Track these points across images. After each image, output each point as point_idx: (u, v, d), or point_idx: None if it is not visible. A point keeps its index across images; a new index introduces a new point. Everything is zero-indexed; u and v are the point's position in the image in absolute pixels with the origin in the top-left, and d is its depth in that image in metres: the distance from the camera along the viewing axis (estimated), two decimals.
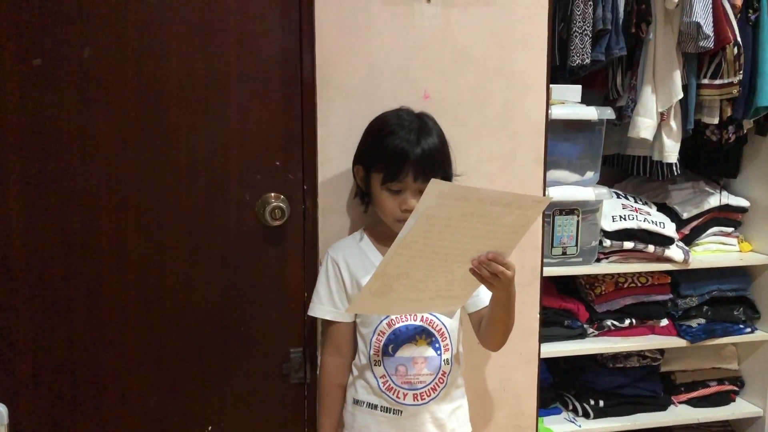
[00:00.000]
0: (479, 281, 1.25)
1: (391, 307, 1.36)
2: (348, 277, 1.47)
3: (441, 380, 1.46)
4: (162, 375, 1.54)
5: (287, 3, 1.51)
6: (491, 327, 1.41)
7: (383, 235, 1.48)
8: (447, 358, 1.46)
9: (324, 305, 1.49)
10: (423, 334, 1.45)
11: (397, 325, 1.44)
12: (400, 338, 1.44)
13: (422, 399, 1.45)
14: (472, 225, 1.17)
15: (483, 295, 1.45)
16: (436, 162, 1.41)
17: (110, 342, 1.50)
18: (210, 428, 1.58)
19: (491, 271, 1.22)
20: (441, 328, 1.46)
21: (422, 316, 1.45)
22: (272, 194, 1.54)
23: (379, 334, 1.45)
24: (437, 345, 1.46)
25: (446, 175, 1.45)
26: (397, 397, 1.44)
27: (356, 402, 1.49)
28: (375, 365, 1.45)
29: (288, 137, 1.55)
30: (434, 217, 1.13)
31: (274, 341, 1.60)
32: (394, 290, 1.25)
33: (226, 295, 1.56)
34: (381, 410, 1.46)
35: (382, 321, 1.44)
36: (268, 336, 1.59)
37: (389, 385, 1.44)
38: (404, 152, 1.37)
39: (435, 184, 1.10)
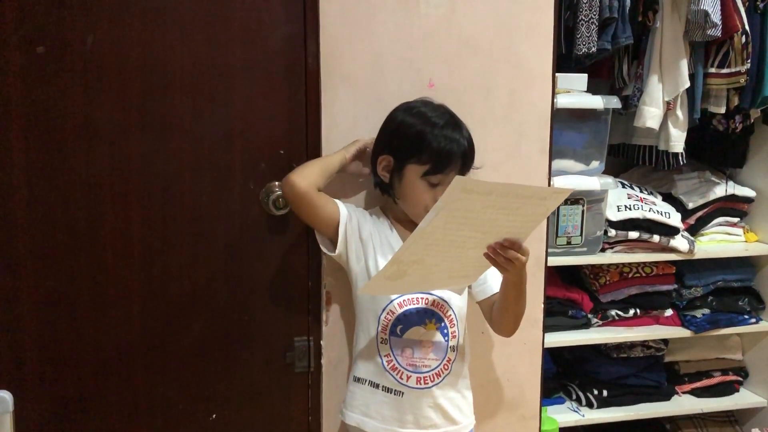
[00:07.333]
0: (493, 265, 1.27)
1: (403, 287, 1.38)
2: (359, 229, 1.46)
3: (446, 367, 1.46)
4: (166, 365, 1.54)
5: None
6: (503, 311, 1.42)
7: (396, 218, 1.50)
8: (453, 345, 1.47)
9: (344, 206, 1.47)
10: (433, 319, 1.45)
11: (408, 307, 1.44)
12: (410, 320, 1.44)
13: (425, 383, 1.44)
14: (492, 216, 1.18)
15: (492, 282, 1.46)
16: (473, 155, 1.44)
17: (114, 332, 1.50)
18: (214, 416, 1.58)
19: (507, 257, 1.24)
20: (451, 315, 1.46)
21: (433, 300, 1.45)
22: (276, 183, 1.54)
23: (388, 313, 1.44)
24: (446, 331, 1.46)
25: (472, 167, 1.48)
26: (401, 378, 1.44)
27: (357, 380, 1.49)
28: (381, 343, 1.44)
29: (292, 126, 1.54)
30: (455, 210, 1.14)
31: (278, 330, 1.60)
32: (407, 275, 1.28)
33: (230, 284, 1.56)
34: (382, 390, 1.45)
35: (392, 300, 1.44)
36: (272, 325, 1.60)
37: (393, 365, 1.44)
38: (453, 147, 1.38)
39: (459, 181, 1.10)
